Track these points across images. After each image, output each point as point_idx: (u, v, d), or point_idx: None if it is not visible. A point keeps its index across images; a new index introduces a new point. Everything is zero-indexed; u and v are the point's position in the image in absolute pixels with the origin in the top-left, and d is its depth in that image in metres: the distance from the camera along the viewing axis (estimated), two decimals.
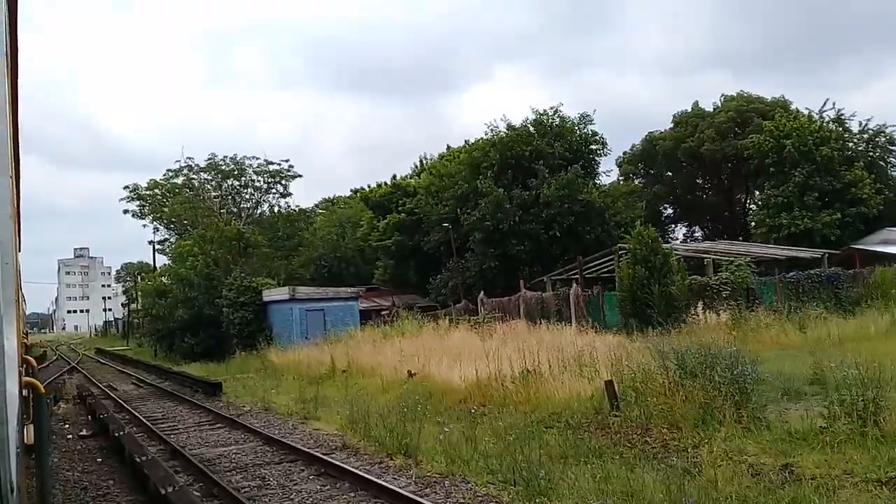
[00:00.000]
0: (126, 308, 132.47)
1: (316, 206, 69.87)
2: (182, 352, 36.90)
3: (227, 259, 38.26)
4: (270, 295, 35.30)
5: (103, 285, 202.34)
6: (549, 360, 16.23)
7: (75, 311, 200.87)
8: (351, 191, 73.43)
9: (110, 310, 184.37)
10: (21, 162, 8.35)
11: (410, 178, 51.31)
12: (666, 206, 58.69)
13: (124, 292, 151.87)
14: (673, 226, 60.74)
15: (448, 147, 52.89)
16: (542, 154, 40.57)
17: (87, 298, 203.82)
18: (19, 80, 5.93)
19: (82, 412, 19.77)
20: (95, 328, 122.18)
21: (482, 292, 37.33)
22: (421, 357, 20.99)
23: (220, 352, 36.56)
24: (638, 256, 26.25)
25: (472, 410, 14.52)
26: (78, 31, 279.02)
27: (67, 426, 17.48)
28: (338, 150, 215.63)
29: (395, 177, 54.56)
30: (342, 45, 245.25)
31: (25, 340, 17.42)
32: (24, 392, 4.65)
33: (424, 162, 53.39)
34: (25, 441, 4.31)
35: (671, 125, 55.16)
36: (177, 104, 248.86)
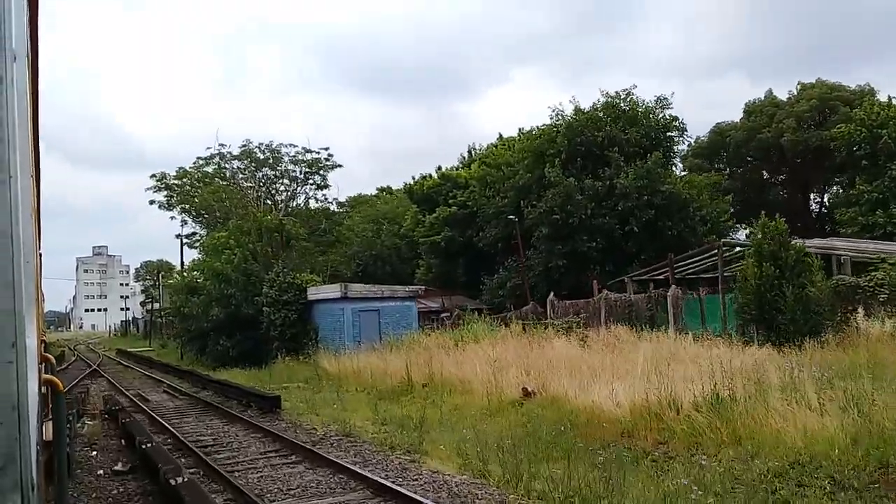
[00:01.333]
0: (144, 307, 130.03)
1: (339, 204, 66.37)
2: (215, 355, 33.28)
3: (268, 252, 34.61)
4: (317, 293, 31.58)
5: (121, 284, 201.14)
6: (722, 382, 12.23)
7: (93, 310, 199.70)
8: (377, 189, 69.88)
9: (127, 309, 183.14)
10: (42, 162, 8.42)
11: (459, 169, 47.39)
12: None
13: (143, 291, 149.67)
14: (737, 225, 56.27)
15: (500, 136, 49.04)
16: (616, 140, 36.56)
17: (105, 297, 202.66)
18: (40, 80, 6.13)
19: (112, 432, 16.07)
20: (114, 327, 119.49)
21: (552, 293, 33.37)
22: (535, 371, 17.09)
23: (257, 356, 32.91)
24: (765, 252, 22.12)
25: (650, 451, 10.62)
26: (97, 31, 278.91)
27: (95, 453, 13.76)
28: (350, 152, 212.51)
29: (440, 168, 50.81)
30: (355, 47, 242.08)
31: (45, 338, 16.03)
32: (44, 389, 4.49)
33: (473, 152, 49.50)
34: (44, 438, 4.30)
35: (742, 115, 50.88)
36: (192, 105, 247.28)
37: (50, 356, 7.96)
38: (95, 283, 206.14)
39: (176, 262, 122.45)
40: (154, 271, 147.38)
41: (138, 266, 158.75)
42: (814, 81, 49.60)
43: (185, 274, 38.15)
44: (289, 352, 31.12)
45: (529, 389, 14.91)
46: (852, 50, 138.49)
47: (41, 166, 8.56)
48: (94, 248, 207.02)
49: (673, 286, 26.78)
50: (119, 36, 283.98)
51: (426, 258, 50.35)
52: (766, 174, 54.39)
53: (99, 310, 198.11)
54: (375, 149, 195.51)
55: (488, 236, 40.43)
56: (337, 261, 44.23)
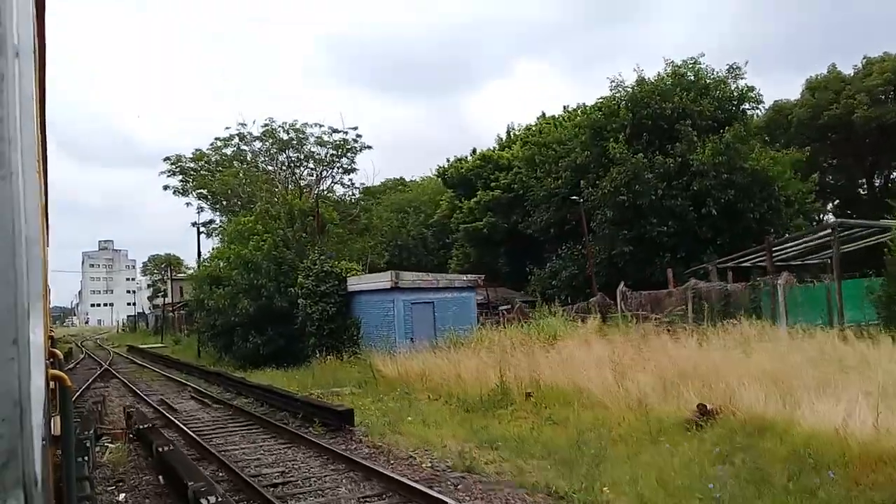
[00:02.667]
0: (152, 302, 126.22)
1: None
2: (243, 353, 29.47)
3: (302, 238, 30.71)
4: (359, 283, 27.71)
5: (127, 279, 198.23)
6: None
7: (99, 305, 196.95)
8: (395, 181, 65.76)
9: (133, 304, 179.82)
10: (49, 158, 8.16)
11: (499, 150, 43.38)
12: None
13: (151, 286, 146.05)
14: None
15: (543, 114, 45.01)
16: (687, 113, 32.55)
17: (111, 292, 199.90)
18: (47, 77, 6.13)
19: (144, 462, 12.18)
20: (122, 323, 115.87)
21: (622, 283, 29.43)
22: (694, 376, 13.19)
23: (291, 354, 29.12)
24: None
25: None
26: (100, 29, 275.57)
27: (124, 498, 9.89)
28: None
29: (474, 151, 46.79)
30: (359, 41, 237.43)
31: (52, 333, 12.29)
32: (51, 384, 4.20)
33: (512, 133, 45.50)
34: (52, 433, 4.08)
35: (803, 91, 46.77)
36: (195, 104, 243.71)
37: (57, 351, 6.93)
38: (101, 277, 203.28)
39: (184, 256, 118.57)
40: (162, 265, 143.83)
41: (145, 260, 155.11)
42: (881, 55, 45.48)
43: (206, 263, 34.27)
44: (327, 350, 27.30)
45: (711, 408, 10.97)
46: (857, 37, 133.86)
47: (48, 163, 8.30)
48: (99, 242, 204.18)
49: (784, 272, 22.82)
50: (122, 33, 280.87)
51: (462, 247, 46.46)
52: (830, 153, 50.18)
53: (105, 304, 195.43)
54: (379, 143, 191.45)
55: (538, 221, 36.51)
56: (366, 249, 40.32)
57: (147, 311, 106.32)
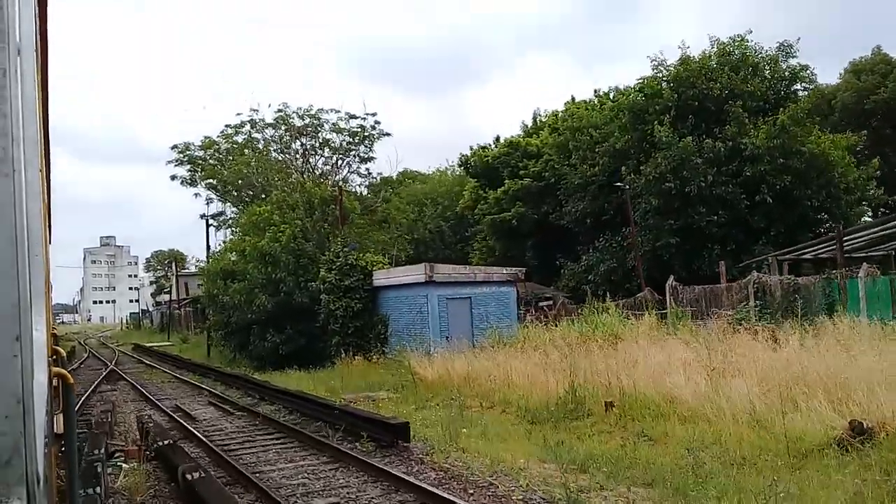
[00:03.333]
0: (155, 299, 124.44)
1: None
2: (260, 353, 27.54)
3: (324, 229, 28.75)
4: (387, 277, 25.75)
5: (130, 275, 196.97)
6: None
7: (101, 302, 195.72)
8: (412, 172, 63.64)
9: (135, 301, 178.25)
10: (51, 155, 8.49)
11: (525, 137, 41.27)
12: None
13: (154, 282, 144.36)
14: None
15: (572, 98, 42.91)
16: (737, 93, 30.44)
17: (114, 289, 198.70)
18: (49, 75, 6.16)
19: (166, 489, 10.22)
20: (125, 320, 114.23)
21: (671, 277, 27.38)
22: (812, 383, 11.19)
23: (312, 354, 27.22)
24: None
25: None
26: (100, 27, 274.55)
27: None
28: None
29: (498, 139, 44.73)
30: (360, 39, 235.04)
31: (54, 331, 11.34)
32: (54, 382, 4.22)
33: (538, 119, 43.39)
34: (55, 430, 4.39)
35: (845, 74, 44.54)
36: (197, 101, 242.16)
37: (60, 349, 7.28)
38: (104, 274, 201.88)
39: (187, 253, 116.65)
40: (165, 261, 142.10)
41: (148, 256, 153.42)
42: None
43: (218, 256, 32.33)
44: (353, 349, 25.38)
45: (866, 424, 8.95)
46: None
47: (51, 160, 8.46)
48: (101, 238, 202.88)
49: (864, 264, 20.75)
50: (121, 33, 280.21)
51: (486, 239, 44.42)
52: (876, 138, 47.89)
53: (107, 301, 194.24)
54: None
55: (572, 211, 34.44)
56: (391, 241, 38.37)
57: (151, 308, 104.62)
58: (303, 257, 28.09)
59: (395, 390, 19.24)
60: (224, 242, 38.99)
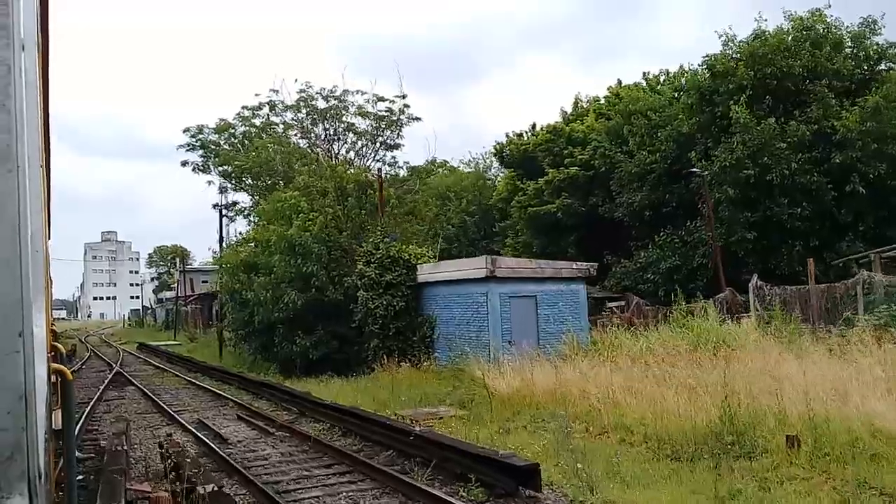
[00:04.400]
0: (157, 295, 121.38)
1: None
2: (286, 357, 24.48)
3: (361, 218, 25.68)
4: (434, 272, 22.74)
5: (131, 271, 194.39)
6: None
7: (102, 298, 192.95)
8: (440, 163, 60.58)
9: (137, 297, 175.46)
10: (52, 152, 8.64)
11: (569, 123, 38.14)
12: None
13: (157, 278, 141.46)
14: None
15: (619, 81, 39.79)
16: (822, 72, 27.34)
17: (115, 285, 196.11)
18: (49, 69, 6.12)
19: None
20: (127, 317, 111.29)
21: (755, 277, 24.28)
22: None
23: (346, 359, 24.22)
24: None
25: None
26: (104, 23, 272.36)
27: None
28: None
29: (534, 126, 41.64)
30: (360, 31, 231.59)
31: (54, 327, 12.21)
32: (53, 378, 4.24)
33: (580, 104, 40.24)
34: (53, 426, 4.35)
35: None
36: (201, 99, 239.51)
37: (59, 345, 7.42)
38: (104, 270, 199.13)
39: (191, 248, 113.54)
40: (169, 257, 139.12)
41: (151, 252, 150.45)
42: None
43: (237, 247, 29.25)
44: (394, 354, 22.36)
45: None
46: None
47: (51, 156, 8.69)
48: (102, 233, 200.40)
49: None
50: (125, 28, 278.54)
51: (518, 234, 41.35)
52: None
53: (108, 298, 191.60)
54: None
55: (628, 203, 31.30)
56: (417, 234, 35.31)
57: (154, 305, 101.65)
58: (335, 249, 25.03)
59: (462, 406, 16.17)
60: (241, 234, 35.94)
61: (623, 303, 25.26)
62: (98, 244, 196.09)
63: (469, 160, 58.34)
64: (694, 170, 26.59)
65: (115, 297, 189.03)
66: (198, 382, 24.26)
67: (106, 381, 25.12)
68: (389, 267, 23.42)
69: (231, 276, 27.25)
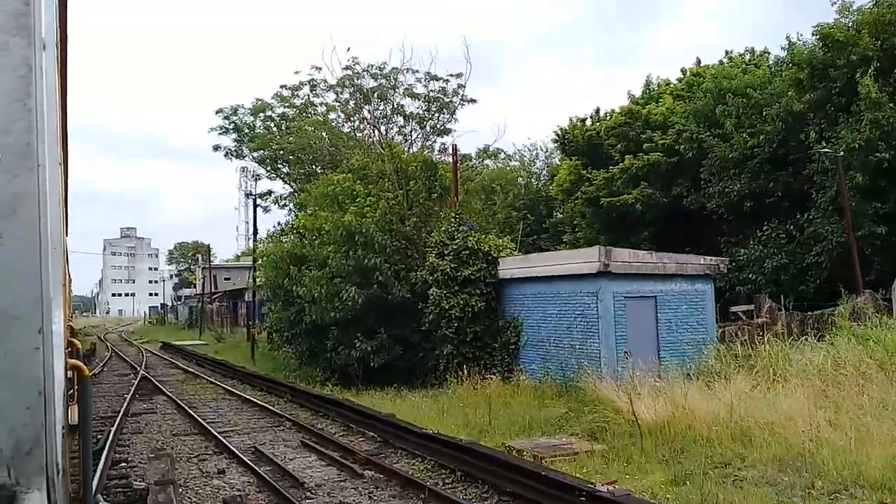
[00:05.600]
0: (177, 291, 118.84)
1: None
2: (343, 364, 21.04)
3: (428, 204, 22.19)
4: (524, 266, 19.20)
5: (150, 268, 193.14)
6: None
7: (120, 295, 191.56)
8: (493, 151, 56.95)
9: (155, 294, 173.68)
10: (69, 149, 8.68)
11: (643, 104, 34.36)
12: None
13: (177, 275, 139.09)
14: None
15: (698, 60, 36.00)
16: None
17: (133, 282, 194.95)
18: (67, 66, 6.16)
19: None
20: (147, 314, 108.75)
21: None
22: None
23: (408, 368, 20.80)
24: None
25: None
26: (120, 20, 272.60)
27: None
28: None
29: (598, 110, 37.96)
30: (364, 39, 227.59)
31: (71, 323, 10.99)
32: (70, 374, 4.35)
33: (651, 87, 36.47)
34: (70, 422, 4.34)
35: None
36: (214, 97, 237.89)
37: (76, 341, 7.37)
38: (123, 266, 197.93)
39: (215, 245, 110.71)
40: (190, 253, 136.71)
41: (171, 248, 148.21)
42: None
43: (280, 237, 25.79)
44: (469, 364, 18.88)
45: None
46: None
47: (69, 153, 8.70)
48: (121, 229, 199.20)
49: None
50: (141, 27, 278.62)
51: (578, 228, 37.73)
52: None
53: (127, 294, 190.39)
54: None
55: (727, 192, 27.49)
56: (511, 221, 32.00)
57: (176, 303, 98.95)
58: (400, 239, 21.56)
59: (592, 436, 12.60)
60: (280, 224, 32.58)
61: (751, 307, 21.57)
62: (117, 240, 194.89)
63: (514, 152, 54.82)
64: (824, 150, 22.77)
65: (133, 294, 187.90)
66: (238, 392, 20.88)
67: (132, 390, 21.83)
68: (467, 260, 19.92)
69: (275, 269, 23.81)
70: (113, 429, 14.67)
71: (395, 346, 20.80)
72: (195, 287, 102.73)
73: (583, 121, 37.62)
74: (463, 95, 35.75)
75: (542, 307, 18.46)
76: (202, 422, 15.62)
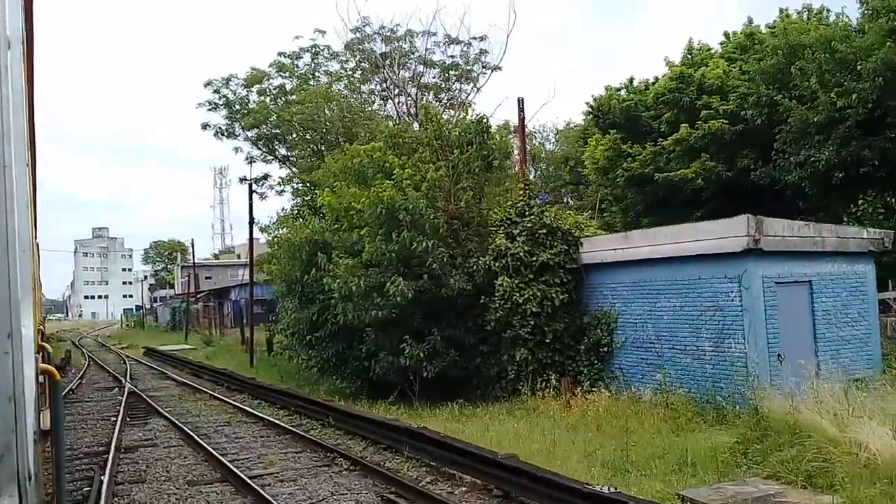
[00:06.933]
0: (154, 292, 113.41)
1: None
2: (385, 373, 17.08)
3: (481, 176, 18.20)
4: (618, 247, 15.39)
5: (123, 269, 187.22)
6: None
7: (93, 297, 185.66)
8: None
9: (130, 296, 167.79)
10: (37, 150, 8.72)
11: (690, 67, 30.58)
12: None
13: (154, 275, 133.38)
14: None
15: (749, 19, 32.30)
16: None
17: (106, 283, 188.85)
18: (35, 68, 6.35)
19: None
20: (125, 316, 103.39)
21: None
22: None
23: (463, 377, 16.96)
24: None
25: None
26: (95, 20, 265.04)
27: None
28: None
29: (631, 80, 34.17)
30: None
31: (42, 328, 12.01)
32: (41, 378, 4.15)
33: (693, 53, 32.69)
34: (42, 427, 4.26)
35: None
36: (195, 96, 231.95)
37: (46, 345, 7.30)
38: (96, 267, 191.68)
39: (190, 243, 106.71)
40: (166, 252, 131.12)
41: (146, 247, 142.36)
42: None
43: (296, 223, 21.54)
44: (548, 371, 15.11)
45: None
46: None
47: (37, 154, 8.64)
48: (93, 229, 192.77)
49: None
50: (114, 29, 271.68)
51: (608, 211, 34.07)
52: None
53: (100, 296, 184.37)
54: None
55: (812, 161, 23.81)
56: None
57: (155, 304, 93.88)
58: (451, 218, 17.55)
59: (810, 481, 8.75)
60: (284, 210, 28.32)
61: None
62: (89, 241, 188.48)
63: (533, 130, 50.94)
64: None
65: (107, 296, 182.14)
66: (255, 411, 16.79)
67: (120, 410, 17.64)
68: (544, 242, 15.99)
69: (291, 259, 19.67)
70: (105, 477, 10.57)
71: (449, 351, 16.82)
72: (173, 287, 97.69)
73: (619, 89, 33.80)
74: (485, 64, 31.75)
75: (650, 298, 14.61)
76: (223, 460, 11.58)
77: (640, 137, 31.36)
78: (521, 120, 17.69)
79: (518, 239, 16.02)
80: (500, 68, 31.32)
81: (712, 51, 33.32)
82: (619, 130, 32.10)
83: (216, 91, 31.78)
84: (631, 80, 34.78)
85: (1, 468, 1.95)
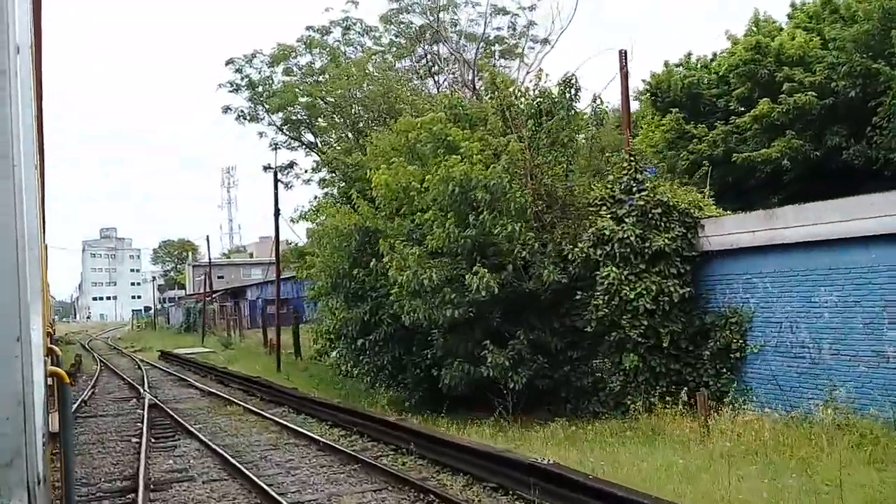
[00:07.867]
0: (163, 292, 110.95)
1: None
2: (457, 383, 14.32)
3: (561, 149, 15.45)
4: (758, 229, 12.56)
5: (132, 270, 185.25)
6: None
7: (101, 298, 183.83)
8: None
9: (138, 297, 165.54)
10: (45, 151, 8.56)
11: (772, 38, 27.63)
12: None
13: (164, 275, 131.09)
14: None
15: None
16: None
17: (114, 284, 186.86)
18: (43, 68, 6.25)
19: None
20: (134, 318, 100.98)
21: None
22: None
23: (550, 388, 14.21)
24: None
25: None
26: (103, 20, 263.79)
27: None
28: None
29: (689, 55, 31.31)
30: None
31: (51, 330, 12.88)
32: (49, 381, 4.56)
33: (759, 24, 29.79)
34: (50, 429, 4.34)
35: None
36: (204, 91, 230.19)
37: (55, 348, 6.93)
38: (104, 268, 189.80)
39: (199, 243, 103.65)
40: (176, 252, 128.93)
41: (156, 247, 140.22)
42: None
43: (342, 208, 18.70)
44: (662, 381, 12.35)
45: None
46: None
47: (45, 155, 8.52)
48: (101, 230, 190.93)
49: None
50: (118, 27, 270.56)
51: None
52: None
53: (108, 298, 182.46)
54: None
55: None
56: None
57: (165, 304, 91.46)
58: (537, 197, 14.77)
59: None
60: (317, 197, 25.60)
61: None
62: (97, 241, 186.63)
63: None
64: None
65: (115, 297, 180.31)
66: (306, 432, 13.99)
67: (143, 429, 14.92)
68: (658, 224, 13.19)
69: (335, 251, 16.91)
70: None
71: (535, 358, 14.04)
72: (184, 288, 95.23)
73: (678, 64, 30.96)
74: (533, 36, 28.95)
75: (802, 292, 11.78)
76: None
77: (701, 117, 28.55)
78: (625, 75, 14.83)
79: (626, 221, 13.22)
80: (548, 41, 28.48)
81: (777, 23, 30.49)
82: (680, 110, 29.22)
83: (238, 70, 29.06)
84: (688, 55, 31.95)
85: (11, 473, 1.90)
